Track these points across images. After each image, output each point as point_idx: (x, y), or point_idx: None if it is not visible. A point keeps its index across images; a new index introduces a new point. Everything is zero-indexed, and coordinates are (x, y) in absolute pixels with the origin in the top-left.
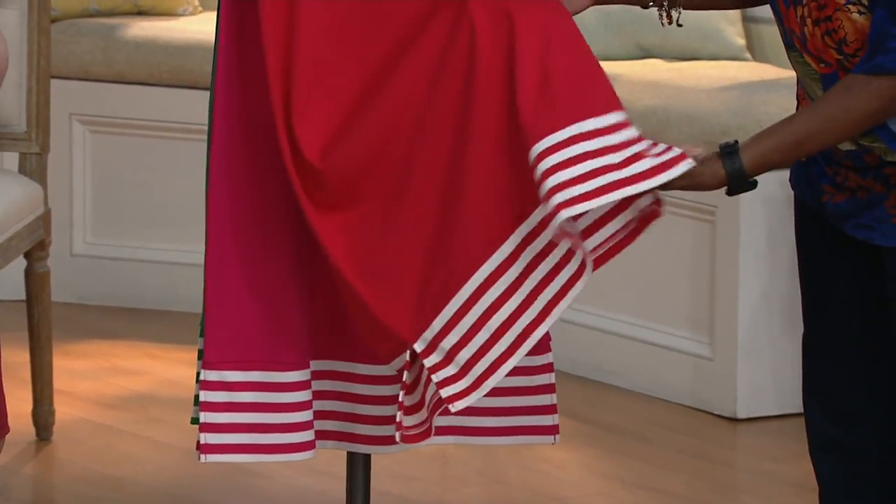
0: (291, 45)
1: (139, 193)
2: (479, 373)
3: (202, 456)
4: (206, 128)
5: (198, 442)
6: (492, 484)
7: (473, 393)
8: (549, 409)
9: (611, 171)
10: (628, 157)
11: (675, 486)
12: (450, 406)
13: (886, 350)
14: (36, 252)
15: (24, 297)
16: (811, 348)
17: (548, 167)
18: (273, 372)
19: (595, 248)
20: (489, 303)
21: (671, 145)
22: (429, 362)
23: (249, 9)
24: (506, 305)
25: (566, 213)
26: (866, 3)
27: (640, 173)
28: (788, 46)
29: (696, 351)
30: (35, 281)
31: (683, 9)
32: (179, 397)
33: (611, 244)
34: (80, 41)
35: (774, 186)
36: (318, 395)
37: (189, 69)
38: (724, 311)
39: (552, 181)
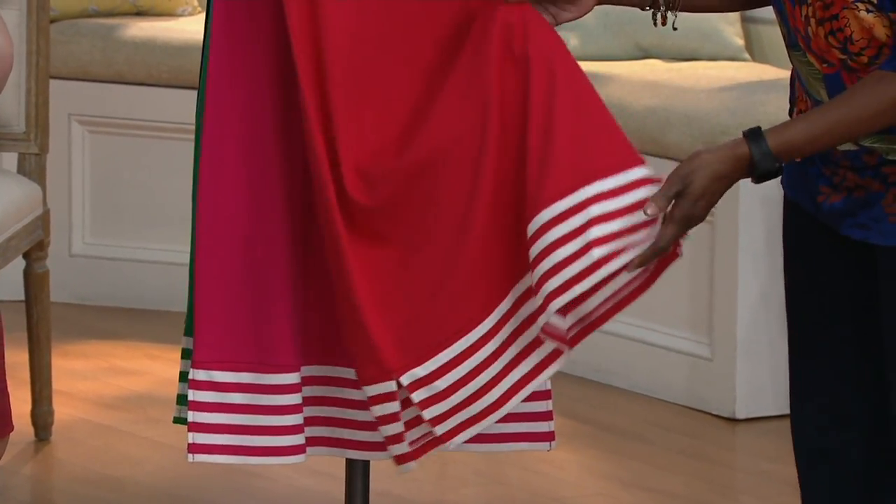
0: (321, 56)
1: (138, 194)
2: (473, 414)
3: (190, 455)
4: None
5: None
6: (491, 484)
7: (465, 431)
8: (545, 416)
9: (608, 241)
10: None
11: (673, 487)
12: (448, 443)
13: (875, 350)
14: (35, 252)
15: (23, 297)
16: (799, 350)
17: (546, 245)
18: (263, 374)
19: (612, 296)
20: (482, 358)
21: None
22: (417, 397)
23: (241, 9)
24: (493, 365)
25: (557, 304)
26: (875, 2)
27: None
28: (791, 46)
29: (694, 351)
30: (34, 281)
31: (683, 10)
32: None
33: (628, 290)
34: (79, 41)
35: (773, 187)
36: (311, 400)
37: (188, 69)
38: (723, 311)
39: (547, 263)
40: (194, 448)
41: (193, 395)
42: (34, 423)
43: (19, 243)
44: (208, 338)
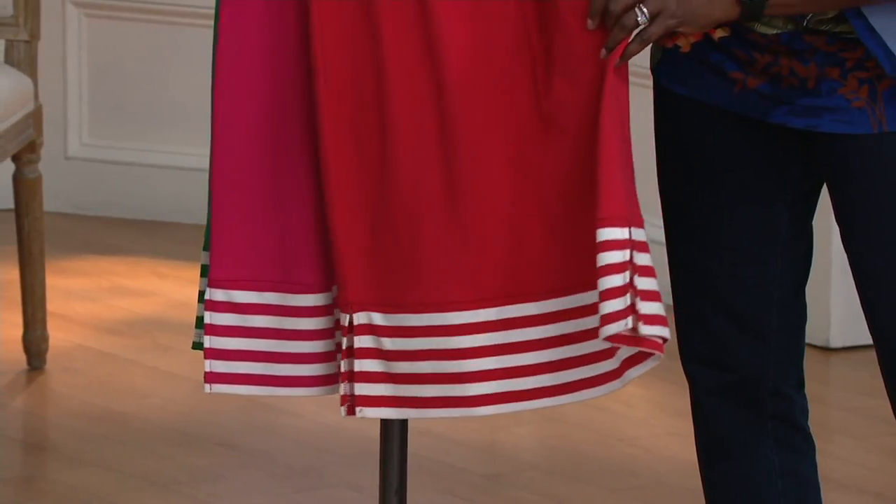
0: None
1: (144, 87)
2: (410, 396)
3: (207, 386)
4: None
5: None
6: (548, 423)
7: (389, 409)
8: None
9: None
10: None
11: None
12: (357, 409)
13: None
14: (26, 155)
15: (12, 206)
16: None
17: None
18: (290, 294)
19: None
20: (459, 346)
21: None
22: (359, 342)
23: None
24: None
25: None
26: None
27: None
28: None
29: None
30: (25, 188)
31: None
32: (191, 322)
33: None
34: None
35: None
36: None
37: None
38: (817, 226)
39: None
40: (211, 377)
41: (210, 317)
42: (26, 349)
43: (7, 145)
44: (226, 253)
